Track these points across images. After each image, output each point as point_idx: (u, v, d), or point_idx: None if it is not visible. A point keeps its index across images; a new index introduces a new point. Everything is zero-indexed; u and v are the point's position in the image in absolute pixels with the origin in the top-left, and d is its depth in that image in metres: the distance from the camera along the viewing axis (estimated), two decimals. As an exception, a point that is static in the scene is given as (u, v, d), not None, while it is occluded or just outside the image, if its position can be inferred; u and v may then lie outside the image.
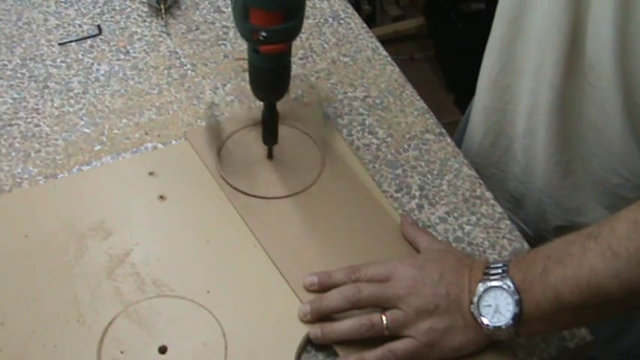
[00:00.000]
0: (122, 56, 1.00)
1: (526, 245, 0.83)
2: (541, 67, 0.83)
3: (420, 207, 0.86)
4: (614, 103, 0.79)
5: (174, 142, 0.90)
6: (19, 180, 0.85)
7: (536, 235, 0.96)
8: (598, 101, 0.81)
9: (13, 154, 0.88)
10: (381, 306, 0.72)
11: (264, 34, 0.72)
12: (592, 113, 0.82)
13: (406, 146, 0.92)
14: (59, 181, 0.85)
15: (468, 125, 1.01)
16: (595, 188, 0.88)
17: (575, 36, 0.78)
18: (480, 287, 0.69)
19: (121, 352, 0.71)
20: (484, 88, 0.94)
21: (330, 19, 1.07)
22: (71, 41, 1.01)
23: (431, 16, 2.42)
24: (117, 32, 1.03)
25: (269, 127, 0.84)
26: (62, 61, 0.99)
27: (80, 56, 0.99)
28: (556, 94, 0.83)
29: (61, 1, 1.07)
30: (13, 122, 0.91)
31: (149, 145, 0.89)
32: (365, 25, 1.07)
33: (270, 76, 0.78)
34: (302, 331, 0.73)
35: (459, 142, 0.97)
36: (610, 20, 0.73)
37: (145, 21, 1.05)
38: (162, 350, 0.72)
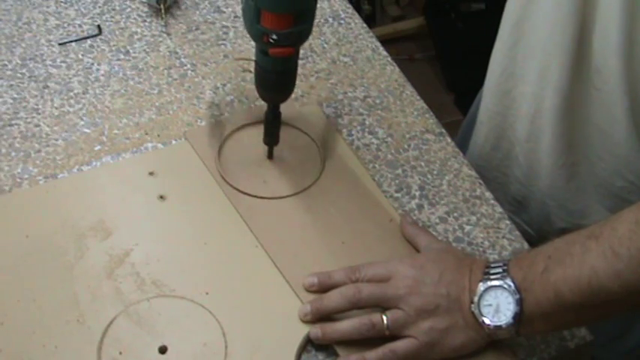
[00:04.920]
0: (122, 56, 1.00)
1: (526, 245, 0.83)
2: (546, 71, 0.83)
3: (420, 207, 0.86)
4: (620, 107, 0.79)
5: (174, 142, 0.90)
6: (19, 180, 0.85)
7: (540, 237, 0.96)
8: (604, 104, 0.81)
9: (13, 154, 0.88)
10: (382, 306, 0.72)
11: (274, 37, 0.72)
12: (598, 116, 0.82)
13: (406, 146, 0.91)
14: (59, 181, 0.85)
15: (475, 127, 1.01)
16: (599, 191, 0.88)
17: (582, 39, 0.78)
18: (481, 287, 0.69)
19: (121, 353, 0.71)
20: (488, 90, 0.94)
21: (330, 19, 1.07)
22: (71, 41, 1.01)
23: (431, 16, 2.42)
24: (117, 32, 1.03)
25: (271, 127, 0.84)
26: (62, 61, 0.98)
27: (80, 56, 0.99)
28: (562, 98, 0.83)
29: (61, 1, 1.06)
30: (13, 122, 0.91)
31: (149, 145, 0.89)
32: (365, 25, 1.07)
33: (277, 78, 0.78)
34: (302, 331, 0.73)
35: (461, 143, 0.97)
36: (617, 23, 0.73)
37: (145, 21, 1.05)
38: (163, 350, 0.72)
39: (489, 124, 0.96)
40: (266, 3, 0.71)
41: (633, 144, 0.81)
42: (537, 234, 0.95)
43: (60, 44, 1.01)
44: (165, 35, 1.03)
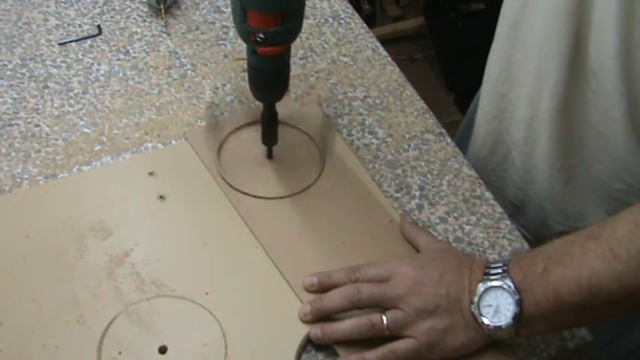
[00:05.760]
0: (122, 56, 1.00)
1: (526, 245, 0.83)
2: (542, 74, 0.83)
3: (420, 207, 0.86)
4: (616, 109, 0.79)
5: (174, 142, 0.90)
6: (19, 180, 0.85)
7: (537, 241, 0.96)
8: (601, 107, 0.80)
9: (13, 154, 0.88)
10: (382, 306, 0.72)
11: (261, 35, 0.72)
12: (594, 119, 0.82)
13: (406, 146, 0.91)
14: (59, 181, 0.85)
15: (473, 130, 1.00)
16: (597, 194, 0.88)
17: (578, 41, 0.78)
18: (481, 287, 0.69)
19: (120, 353, 0.71)
20: (485, 93, 0.94)
21: (330, 19, 1.07)
22: (71, 41, 1.01)
23: (431, 16, 2.42)
24: (117, 32, 1.03)
25: (268, 127, 0.84)
26: (62, 61, 0.99)
27: (80, 56, 0.99)
28: (558, 101, 0.83)
29: (61, 1, 1.07)
30: (13, 122, 0.91)
31: (149, 145, 0.89)
32: (365, 25, 1.07)
33: (268, 77, 0.78)
34: (302, 331, 0.73)
35: (460, 143, 0.97)
36: (613, 25, 0.73)
37: (145, 21, 1.05)
38: (162, 350, 0.72)
39: (486, 127, 0.96)
40: (251, 2, 0.70)
41: (631, 146, 0.81)
42: (535, 238, 0.95)
43: (60, 44, 1.01)
44: (165, 35, 1.03)
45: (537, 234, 0.96)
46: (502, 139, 0.94)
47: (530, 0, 0.81)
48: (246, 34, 0.73)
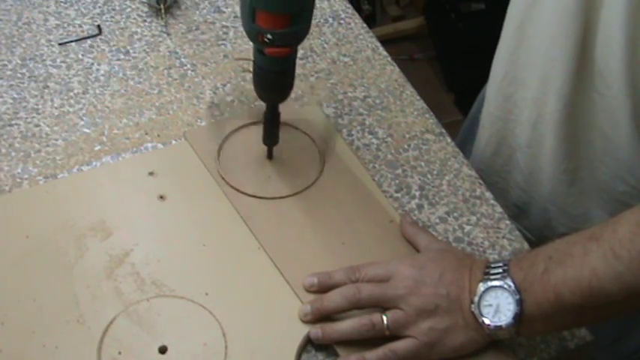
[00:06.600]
0: (122, 56, 1.00)
1: (526, 245, 0.83)
2: (548, 76, 0.83)
3: (420, 207, 0.86)
4: (622, 111, 0.79)
5: (174, 142, 0.90)
6: (19, 180, 0.85)
7: (540, 242, 0.96)
8: (606, 109, 0.80)
9: (13, 154, 0.88)
10: (382, 306, 0.72)
11: (269, 36, 0.72)
12: (600, 121, 0.82)
13: (406, 146, 0.91)
14: (59, 181, 0.85)
15: (477, 131, 1.00)
16: (601, 196, 0.88)
17: (585, 43, 0.78)
18: (481, 287, 0.69)
19: (120, 353, 0.71)
20: (490, 94, 0.93)
21: (330, 19, 1.07)
22: (71, 41, 1.01)
23: (431, 16, 2.42)
24: (117, 32, 1.03)
25: (270, 127, 0.84)
26: (62, 61, 0.98)
27: (80, 56, 0.99)
28: (564, 103, 0.83)
29: (61, 1, 1.06)
30: (13, 122, 0.91)
31: (149, 145, 0.89)
32: (365, 25, 1.07)
33: (274, 77, 0.78)
34: (302, 331, 0.73)
35: (462, 144, 0.97)
36: (620, 27, 0.73)
37: (145, 21, 1.05)
38: (162, 350, 0.72)
39: (491, 128, 0.95)
40: (260, 2, 0.70)
41: (636, 148, 0.81)
42: (538, 239, 0.95)
43: (60, 44, 1.01)
44: (165, 35, 1.03)
45: (540, 236, 0.95)
46: (507, 141, 0.94)
47: (537, 1, 0.81)
48: (254, 34, 0.73)
